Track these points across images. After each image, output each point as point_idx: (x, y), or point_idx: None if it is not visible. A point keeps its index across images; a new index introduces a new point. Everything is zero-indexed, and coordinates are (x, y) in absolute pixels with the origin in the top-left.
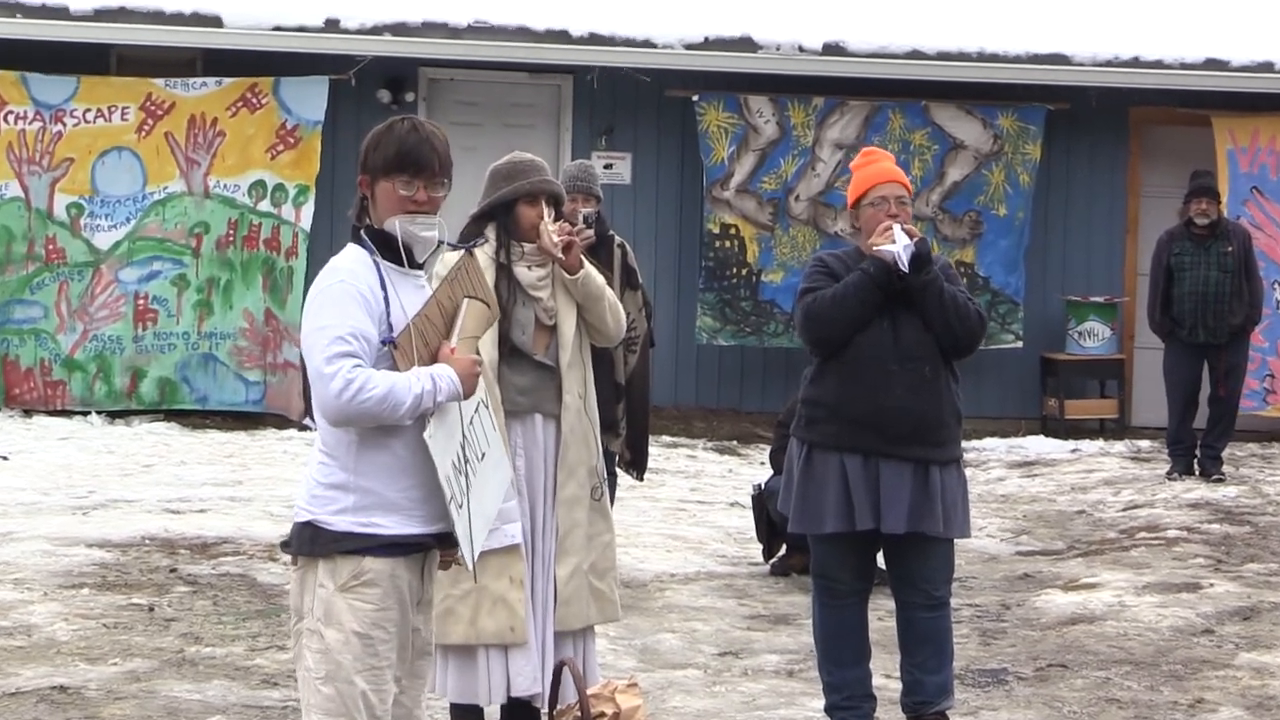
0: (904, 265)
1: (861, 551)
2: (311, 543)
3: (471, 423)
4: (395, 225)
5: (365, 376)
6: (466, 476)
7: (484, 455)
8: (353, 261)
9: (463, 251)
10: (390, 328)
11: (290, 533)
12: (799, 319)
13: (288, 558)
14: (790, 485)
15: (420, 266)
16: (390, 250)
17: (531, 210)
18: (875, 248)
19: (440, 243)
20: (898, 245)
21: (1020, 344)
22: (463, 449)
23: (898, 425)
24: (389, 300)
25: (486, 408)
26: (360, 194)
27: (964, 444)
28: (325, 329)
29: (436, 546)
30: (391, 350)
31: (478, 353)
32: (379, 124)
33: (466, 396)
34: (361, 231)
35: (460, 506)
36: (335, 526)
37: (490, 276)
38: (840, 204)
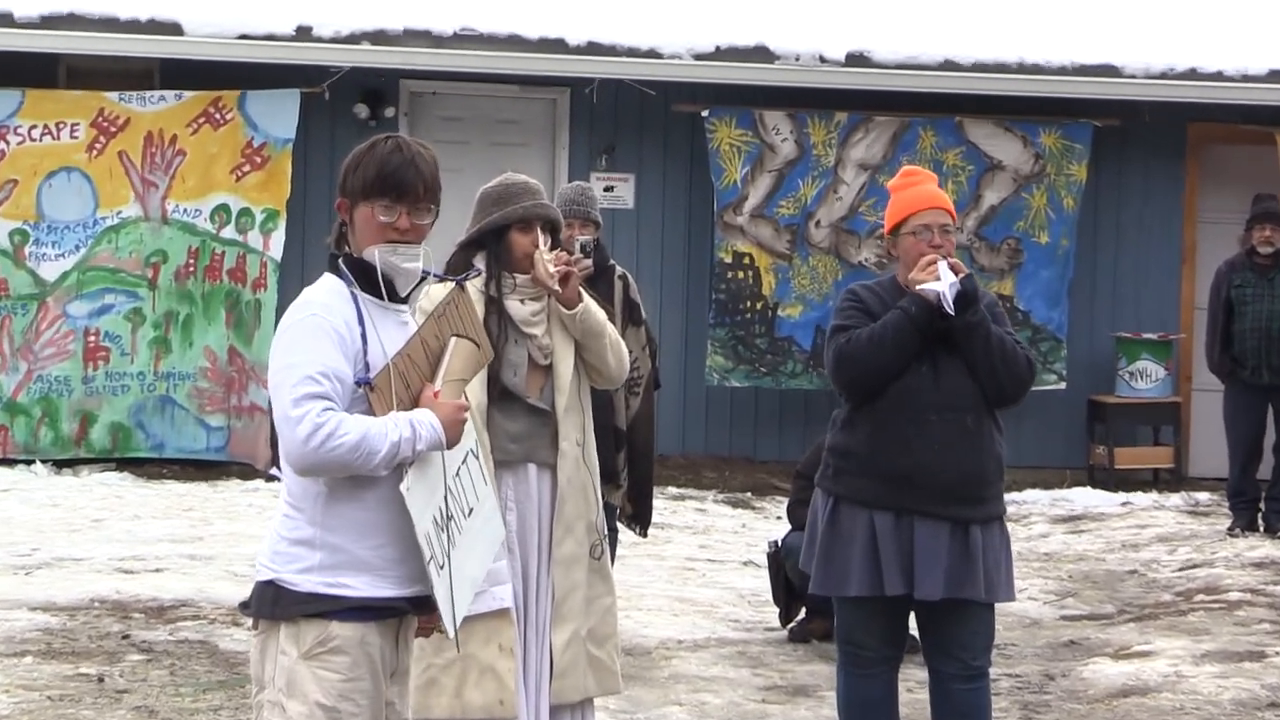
0: (949, 307)
1: (891, 615)
2: (273, 604)
3: (458, 474)
4: (375, 255)
5: (337, 421)
6: (449, 534)
7: (471, 510)
8: (327, 293)
9: (452, 285)
10: (367, 367)
11: (251, 593)
12: (830, 361)
13: (249, 621)
14: (813, 541)
15: (404, 300)
16: (370, 282)
17: (524, 238)
18: (917, 285)
19: (425, 275)
20: (943, 283)
21: (1064, 385)
22: (446, 503)
23: (935, 482)
24: (367, 337)
25: (476, 457)
26: (339, 219)
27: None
28: (294, 367)
29: (413, 611)
30: (367, 393)
31: (465, 397)
32: (358, 142)
33: (450, 446)
34: (339, 260)
35: (441, 567)
36: (299, 587)
37: (479, 311)
38: (865, 230)
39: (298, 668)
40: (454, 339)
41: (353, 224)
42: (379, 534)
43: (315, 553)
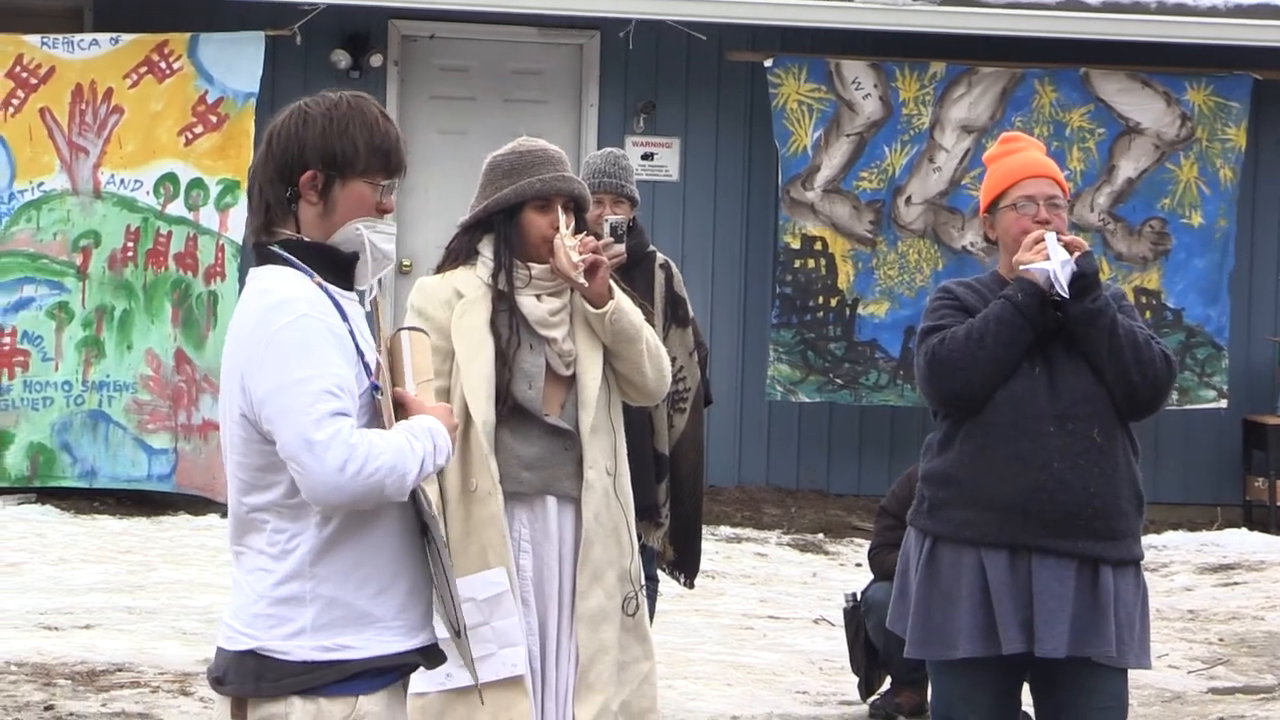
0: (1062, 288)
1: (1003, 683)
2: (257, 679)
3: None
4: (359, 231)
5: (368, 441)
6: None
7: None
8: (303, 288)
9: None
10: (367, 370)
11: (221, 663)
12: (921, 369)
13: (198, 689)
14: (906, 595)
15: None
16: (333, 268)
17: (543, 218)
18: (1022, 265)
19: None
20: (1054, 261)
21: (1225, 403)
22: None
23: (1057, 508)
24: (356, 335)
25: None
26: (274, 195)
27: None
28: (305, 381)
29: (424, 663)
30: (380, 402)
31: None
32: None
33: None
34: (286, 247)
35: (460, 634)
36: (290, 655)
37: (485, 308)
38: (969, 209)
39: None
40: (406, 332)
41: (329, 201)
42: (380, 577)
43: (305, 610)
